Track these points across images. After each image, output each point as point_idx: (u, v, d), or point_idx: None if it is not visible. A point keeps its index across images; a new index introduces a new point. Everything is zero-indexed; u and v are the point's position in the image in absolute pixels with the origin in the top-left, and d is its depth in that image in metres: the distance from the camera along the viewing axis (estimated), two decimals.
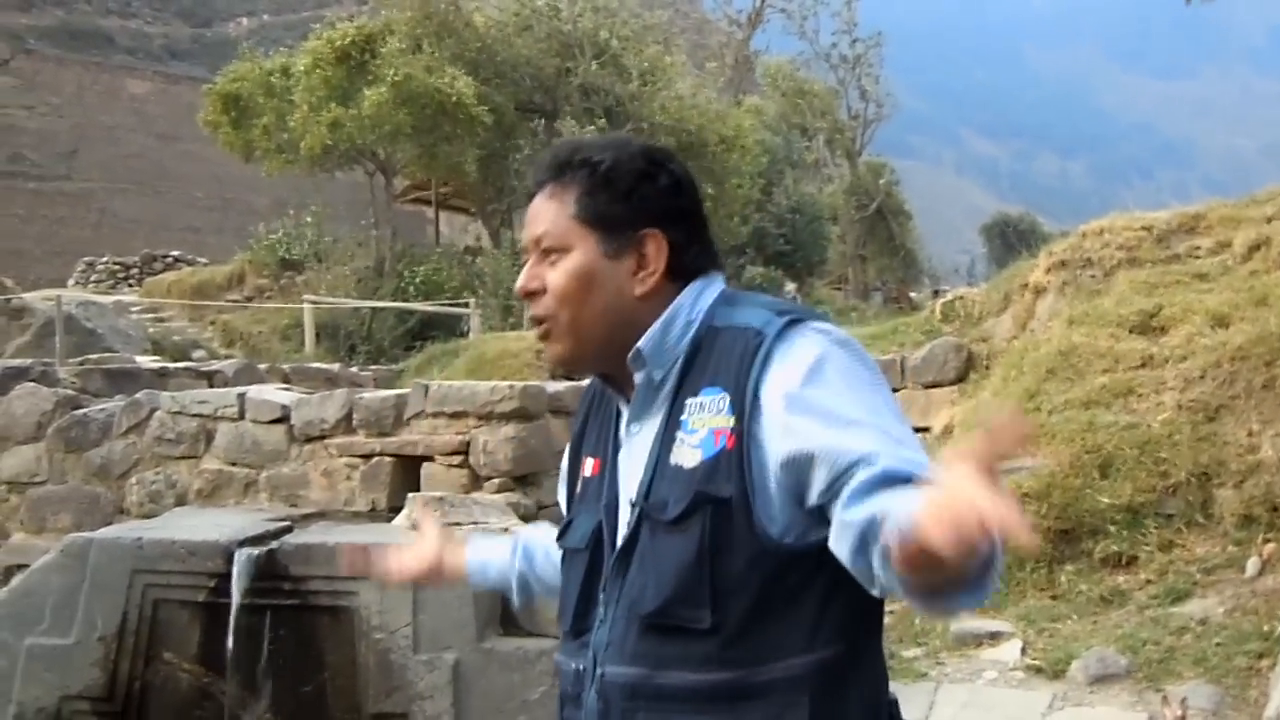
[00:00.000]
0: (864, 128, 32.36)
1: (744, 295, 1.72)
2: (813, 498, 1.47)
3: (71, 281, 27.22)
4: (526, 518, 5.13)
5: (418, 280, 20.67)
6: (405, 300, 19.80)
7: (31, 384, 7.76)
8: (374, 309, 19.26)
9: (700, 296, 1.67)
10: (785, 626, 1.52)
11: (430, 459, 6.21)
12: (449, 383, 6.79)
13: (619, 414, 1.73)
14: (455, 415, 6.20)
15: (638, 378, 1.65)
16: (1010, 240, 33.79)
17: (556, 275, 1.67)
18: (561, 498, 1.92)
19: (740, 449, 1.51)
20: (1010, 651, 5.52)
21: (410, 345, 17.61)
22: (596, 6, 23.68)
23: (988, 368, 9.24)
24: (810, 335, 1.56)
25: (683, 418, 1.59)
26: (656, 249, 1.66)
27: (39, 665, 4.28)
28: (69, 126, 38.96)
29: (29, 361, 9.66)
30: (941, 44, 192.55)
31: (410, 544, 2.04)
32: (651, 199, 1.67)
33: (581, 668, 1.66)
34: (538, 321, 1.70)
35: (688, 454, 1.56)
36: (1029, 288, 9.56)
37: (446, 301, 19.42)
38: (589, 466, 1.75)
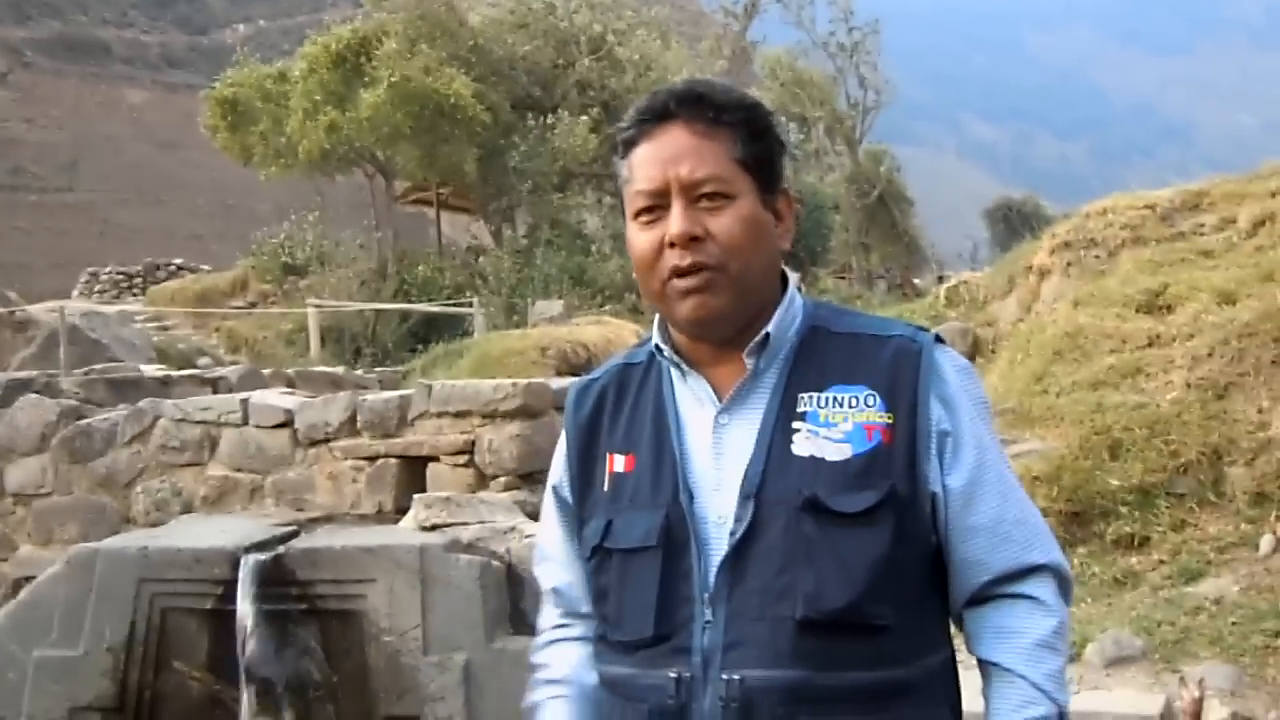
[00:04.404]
0: (864, 115, 32.20)
1: (845, 306, 1.77)
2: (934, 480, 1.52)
3: (75, 292, 27.17)
4: (533, 515, 5.09)
5: (417, 280, 20.64)
6: (408, 301, 19.77)
7: (35, 395, 7.74)
8: (378, 311, 19.22)
9: (793, 289, 1.63)
10: (933, 622, 1.52)
11: (436, 459, 6.17)
12: (452, 382, 6.76)
13: (670, 401, 1.60)
14: (459, 414, 6.16)
15: (748, 363, 1.55)
16: (1013, 224, 33.58)
17: (727, 222, 1.51)
18: (551, 503, 1.74)
19: (906, 445, 1.50)
20: None
21: (415, 347, 17.59)
22: (592, 3, 23.66)
23: (994, 351, 9.21)
24: (952, 352, 1.61)
25: (804, 410, 1.52)
26: (787, 207, 1.61)
27: (47, 677, 4.26)
28: (69, 138, 39.11)
29: (33, 373, 9.66)
30: (939, 29, 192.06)
31: None
32: (783, 154, 1.62)
33: (688, 675, 1.48)
34: (691, 271, 1.51)
35: (828, 447, 1.49)
36: (1033, 270, 9.52)
37: (450, 301, 19.40)
38: (619, 463, 1.60)
